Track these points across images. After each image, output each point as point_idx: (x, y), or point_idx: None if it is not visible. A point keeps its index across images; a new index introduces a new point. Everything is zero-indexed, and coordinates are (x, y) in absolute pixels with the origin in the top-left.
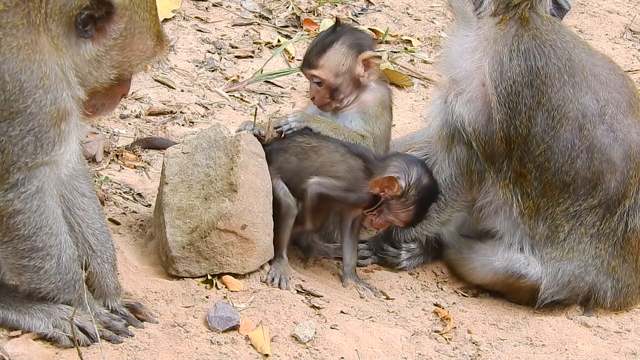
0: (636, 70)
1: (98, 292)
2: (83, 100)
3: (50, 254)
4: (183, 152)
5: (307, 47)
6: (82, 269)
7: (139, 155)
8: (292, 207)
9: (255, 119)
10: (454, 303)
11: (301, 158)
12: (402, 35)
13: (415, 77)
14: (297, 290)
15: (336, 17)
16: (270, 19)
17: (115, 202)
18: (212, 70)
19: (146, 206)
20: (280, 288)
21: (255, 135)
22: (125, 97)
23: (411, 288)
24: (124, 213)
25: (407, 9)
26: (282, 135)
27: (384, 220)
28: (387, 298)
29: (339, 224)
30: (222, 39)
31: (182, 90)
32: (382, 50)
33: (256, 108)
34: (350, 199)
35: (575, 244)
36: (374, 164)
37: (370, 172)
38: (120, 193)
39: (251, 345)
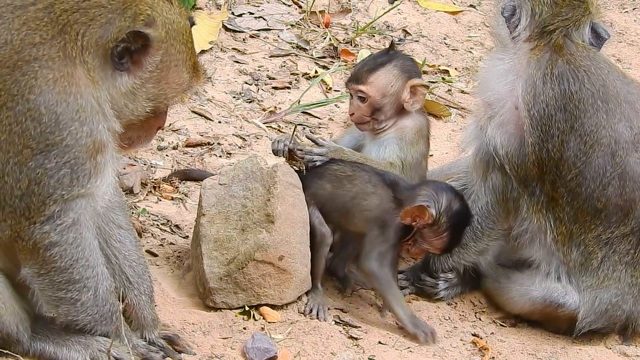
0: None
1: (135, 324)
2: (119, 132)
3: (87, 286)
4: (220, 184)
5: (357, 65)
6: (119, 300)
7: (176, 187)
8: (327, 236)
9: (293, 135)
10: (492, 333)
11: (335, 186)
12: (439, 66)
13: (452, 107)
14: (335, 321)
15: (391, 41)
16: (307, 49)
17: (152, 234)
18: (250, 102)
19: (183, 238)
20: (318, 319)
21: (290, 149)
22: (161, 130)
23: (449, 318)
24: (161, 245)
25: (444, 39)
26: (305, 170)
27: (420, 249)
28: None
29: None
30: (259, 70)
31: (220, 122)
32: None
33: (295, 125)
34: (392, 235)
35: (610, 272)
36: (404, 194)
37: (401, 203)
38: (157, 225)
39: None
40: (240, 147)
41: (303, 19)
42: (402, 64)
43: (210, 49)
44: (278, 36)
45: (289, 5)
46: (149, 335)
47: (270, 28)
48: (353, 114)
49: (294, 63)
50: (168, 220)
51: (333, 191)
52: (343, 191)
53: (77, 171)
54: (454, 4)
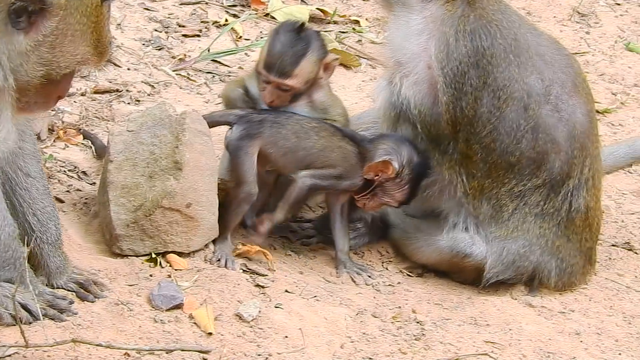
0: (583, 52)
1: (40, 271)
2: (13, 86)
3: None
4: (128, 130)
5: (271, 52)
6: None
7: (82, 133)
8: (253, 195)
9: None
10: (399, 283)
11: (301, 137)
12: (350, 16)
13: (362, 58)
14: (242, 270)
15: (302, 22)
16: None
17: (59, 180)
18: (159, 49)
19: (90, 184)
20: (226, 267)
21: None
22: (61, 99)
23: None
24: (68, 191)
25: None
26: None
27: (379, 203)
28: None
29: (329, 210)
30: (169, 17)
31: (129, 69)
32: (330, 30)
33: None
34: (342, 185)
35: (520, 223)
36: (364, 148)
37: (362, 157)
38: (64, 171)
39: (195, 324)
40: (149, 95)
41: None
42: (316, 47)
43: None
44: None
45: None
46: (57, 282)
47: None
48: (273, 101)
49: (204, 11)
50: (75, 167)
51: (298, 142)
52: (309, 143)
53: None
54: None
